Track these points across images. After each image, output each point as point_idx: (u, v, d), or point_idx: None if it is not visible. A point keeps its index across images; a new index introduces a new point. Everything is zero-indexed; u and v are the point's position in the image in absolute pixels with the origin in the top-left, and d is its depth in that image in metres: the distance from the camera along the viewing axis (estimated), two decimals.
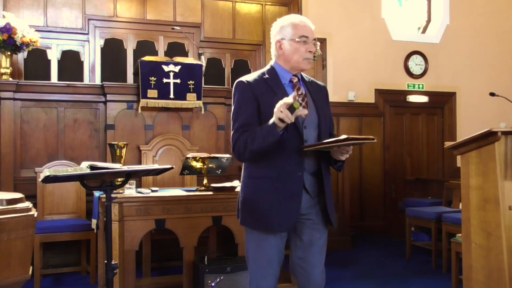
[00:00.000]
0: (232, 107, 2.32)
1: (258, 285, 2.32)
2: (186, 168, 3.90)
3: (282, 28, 2.32)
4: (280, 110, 2.03)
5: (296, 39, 2.27)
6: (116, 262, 2.50)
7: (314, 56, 6.36)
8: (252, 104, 2.24)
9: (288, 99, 2.03)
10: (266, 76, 2.31)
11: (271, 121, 2.10)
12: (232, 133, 2.29)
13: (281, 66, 2.34)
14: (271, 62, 2.39)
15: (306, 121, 2.27)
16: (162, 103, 4.84)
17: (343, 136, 2.06)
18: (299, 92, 2.30)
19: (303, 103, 2.27)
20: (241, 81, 2.31)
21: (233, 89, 2.35)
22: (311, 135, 2.29)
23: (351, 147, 2.21)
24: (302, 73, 2.41)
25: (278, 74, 2.33)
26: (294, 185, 2.24)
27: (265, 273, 2.30)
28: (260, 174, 2.28)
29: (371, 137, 2.12)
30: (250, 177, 2.33)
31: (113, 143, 3.64)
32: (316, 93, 2.39)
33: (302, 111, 2.05)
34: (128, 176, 2.57)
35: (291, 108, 2.02)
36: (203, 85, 4.99)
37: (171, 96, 4.85)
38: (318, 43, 2.36)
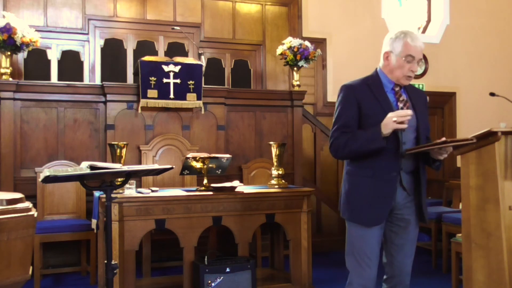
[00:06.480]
0: (336, 109, 2.56)
1: (362, 275, 2.48)
2: (186, 168, 3.91)
3: (394, 41, 2.53)
4: (393, 120, 2.31)
5: (403, 57, 2.48)
6: (116, 262, 2.50)
7: (313, 56, 6.29)
8: (353, 107, 2.47)
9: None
10: (370, 81, 2.55)
11: (376, 129, 2.33)
12: (332, 131, 2.54)
13: (385, 74, 2.57)
14: (377, 68, 2.61)
15: None
16: (162, 103, 4.84)
17: (443, 139, 2.35)
18: (401, 99, 2.53)
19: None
20: (345, 86, 2.55)
21: (338, 92, 2.59)
22: (409, 137, 2.50)
23: (450, 148, 2.47)
24: None
25: (382, 81, 2.56)
26: (389, 184, 2.46)
27: (370, 263, 2.47)
28: (358, 172, 2.52)
29: (470, 138, 2.35)
30: (350, 174, 2.58)
31: (113, 143, 3.64)
32: (416, 98, 2.61)
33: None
34: (128, 176, 2.57)
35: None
36: (203, 85, 4.99)
37: (171, 96, 4.84)
38: (422, 61, 2.52)
